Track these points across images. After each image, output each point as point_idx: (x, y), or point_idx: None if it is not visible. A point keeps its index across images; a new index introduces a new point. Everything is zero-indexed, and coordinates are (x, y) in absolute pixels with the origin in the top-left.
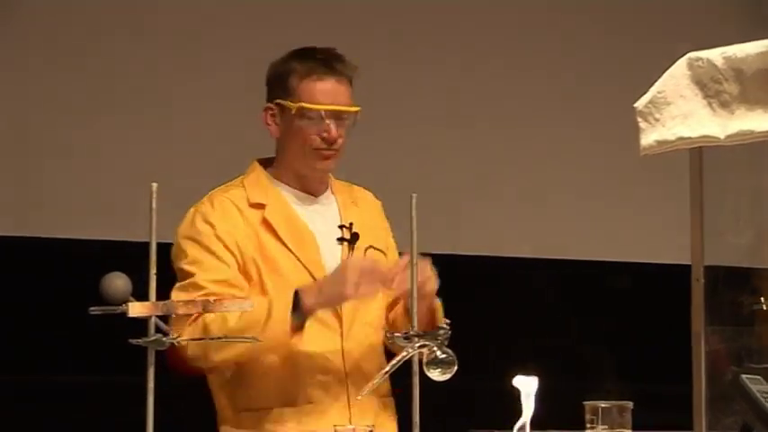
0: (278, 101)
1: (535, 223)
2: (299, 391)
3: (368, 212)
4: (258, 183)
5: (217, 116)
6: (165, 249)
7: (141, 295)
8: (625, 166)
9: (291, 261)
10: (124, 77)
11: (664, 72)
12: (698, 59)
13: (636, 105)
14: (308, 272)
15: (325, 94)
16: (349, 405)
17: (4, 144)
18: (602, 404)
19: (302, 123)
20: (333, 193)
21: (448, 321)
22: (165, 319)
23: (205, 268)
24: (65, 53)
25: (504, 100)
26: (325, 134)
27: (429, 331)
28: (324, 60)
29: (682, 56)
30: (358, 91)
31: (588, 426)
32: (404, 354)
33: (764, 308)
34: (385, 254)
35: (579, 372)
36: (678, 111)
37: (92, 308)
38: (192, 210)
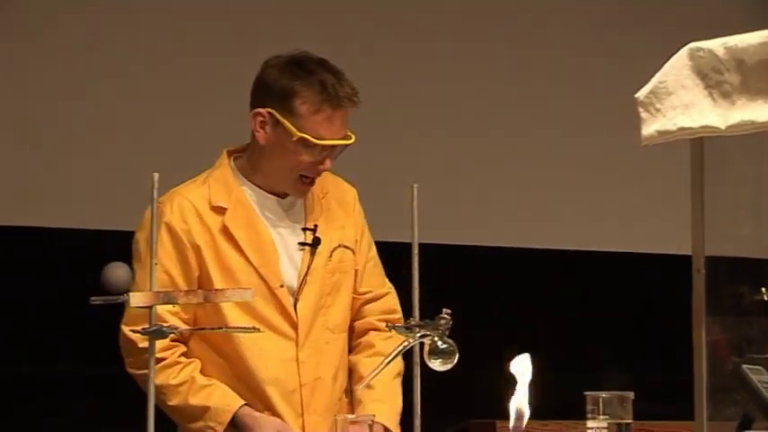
0: (271, 111)
1: (536, 214)
2: (251, 398)
3: (338, 206)
4: (223, 181)
5: (215, 107)
6: None
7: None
8: (626, 156)
9: (250, 272)
10: (124, 66)
11: (665, 62)
12: (699, 50)
13: (637, 96)
14: (266, 284)
15: (331, 131)
16: (302, 414)
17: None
18: (603, 394)
19: (301, 150)
20: None
21: (449, 311)
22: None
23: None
24: (64, 46)
25: (499, 91)
26: (320, 167)
27: (430, 321)
28: (334, 92)
29: (683, 46)
30: None
31: (589, 416)
32: (405, 343)
33: (765, 298)
34: (353, 251)
35: (581, 362)
36: (679, 101)
37: (93, 297)
38: (163, 223)
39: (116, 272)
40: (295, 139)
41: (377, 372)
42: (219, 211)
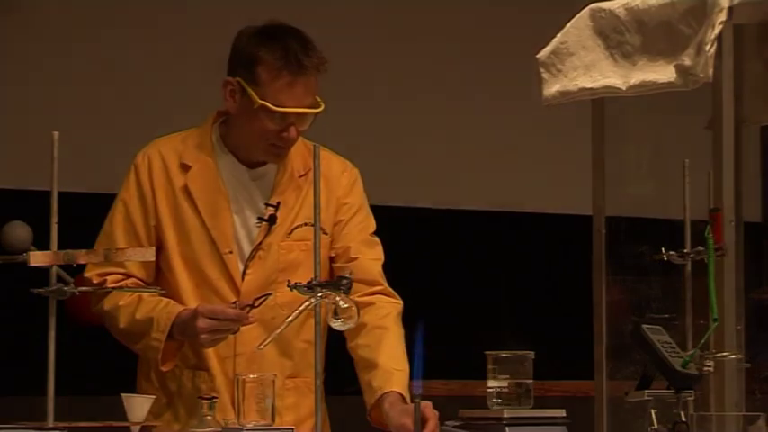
0: (240, 81)
1: (440, 174)
2: (194, 356)
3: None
4: (199, 141)
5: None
6: (66, 198)
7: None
8: (527, 116)
9: (202, 233)
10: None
11: (567, 23)
12: (600, 10)
13: (538, 56)
14: (216, 248)
15: (293, 97)
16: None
17: None
18: (504, 353)
19: (264, 118)
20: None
21: (351, 270)
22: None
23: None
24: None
25: (416, 54)
26: (285, 134)
27: (331, 281)
28: (295, 59)
29: (584, 7)
30: None
31: (490, 375)
32: (306, 303)
33: (665, 258)
34: (326, 232)
35: (482, 321)
36: (580, 62)
37: None
38: (133, 165)
39: (16, 231)
40: (256, 106)
41: (282, 328)
42: (186, 168)
